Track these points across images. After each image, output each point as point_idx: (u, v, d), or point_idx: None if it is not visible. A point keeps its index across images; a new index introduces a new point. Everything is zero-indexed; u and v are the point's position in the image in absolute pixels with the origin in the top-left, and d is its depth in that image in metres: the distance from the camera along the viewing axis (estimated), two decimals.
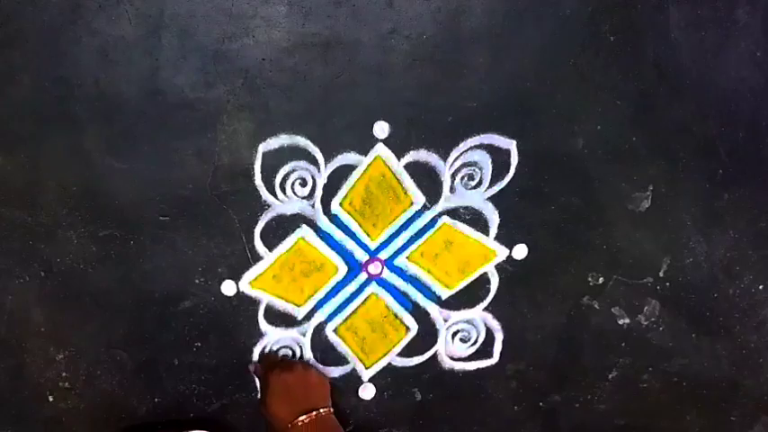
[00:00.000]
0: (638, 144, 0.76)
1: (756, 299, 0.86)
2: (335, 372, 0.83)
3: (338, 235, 0.76)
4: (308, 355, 0.81)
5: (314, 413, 0.69)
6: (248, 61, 0.67)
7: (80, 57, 0.64)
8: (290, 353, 0.81)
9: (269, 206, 0.73)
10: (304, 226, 0.75)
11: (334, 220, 0.76)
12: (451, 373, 0.85)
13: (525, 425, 0.90)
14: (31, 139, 0.67)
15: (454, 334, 0.84)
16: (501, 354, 0.85)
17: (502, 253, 0.80)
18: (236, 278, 0.76)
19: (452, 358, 0.85)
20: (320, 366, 0.81)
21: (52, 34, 0.63)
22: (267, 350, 0.80)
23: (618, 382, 0.89)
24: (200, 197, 0.72)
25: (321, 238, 0.76)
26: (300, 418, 0.69)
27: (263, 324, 0.79)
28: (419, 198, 0.76)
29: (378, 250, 0.78)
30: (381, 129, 0.72)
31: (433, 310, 0.82)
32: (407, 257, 0.79)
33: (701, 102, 0.75)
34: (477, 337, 0.84)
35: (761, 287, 0.86)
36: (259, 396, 0.76)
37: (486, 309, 0.83)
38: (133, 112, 0.67)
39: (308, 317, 0.80)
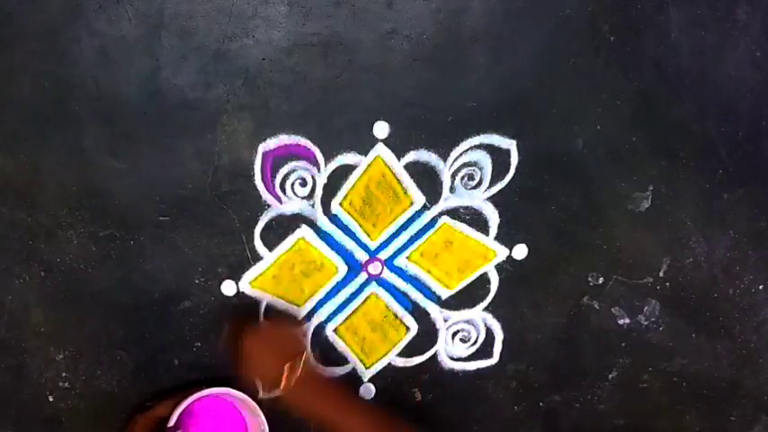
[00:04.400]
0: (638, 144, 0.76)
1: (756, 299, 0.86)
2: (336, 372, 0.83)
3: (338, 235, 0.76)
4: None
5: (290, 364, 0.68)
6: (248, 61, 0.67)
7: (80, 57, 0.64)
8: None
9: (269, 206, 0.73)
10: (304, 226, 0.75)
11: (334, 220, 0.76)
12: (451, 373, 0.85)
13: (525, 425, 0.90)
14: (31, 139, 0.67)
15: (454, 334, 0.84)
16: (501, 354, 0.85)
17: (502, 253, 0.80)
18: (236, 278, 0.76)
19: (452, 358, 0.85)
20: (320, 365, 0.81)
21: (52, 34, 0.63)
22: None
23: (618, 382, 0.89)
24: (200, 197, 0.72)
25: (321, 238, 0.76)
26: (272, 389, 0.68)
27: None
28: (419, 198, 0.76)
29: (378, 250, 0.78)
30: (381, 129, 0.72)
31: (433, 310, 0.82)
32: (407, 257, 0.79)
33: (701, 102, 0.75)
34: (477, 337, 0.84)
35: (761, 287, 0.86)
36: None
37: (486, 309, 0.83)
38: (133, 112, 0.67)
39: (308, 317, 0.80)
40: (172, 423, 0.72)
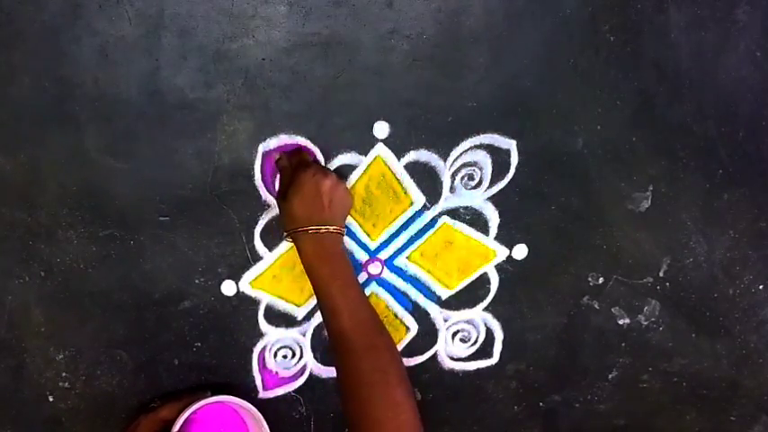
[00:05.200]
0: (638, 144, 0.76)
1: (756, 299, 0.86)
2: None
3: None
4: (308, 355, 0.81)
5: (326, 228, 0.66)
6: (248, 61, 0.67)
7: (80, 57, 0.64)
8: (291, 353, 0.81)
9: (269, 206, 0.73)
10: None
11: None
12: (451, 373, 0.85)
13: (525, 425, 0.90)
14: (31, 139, 0.67)
15: (454, 334, 0.84)
16: (501, 354, 0.85)
17: (502, 253, 0.80)
18: (236, 278, 0.76)
19: (452, 358, 0.85)
20: (320, 366, 0.82)
21: (52, 34, 0.63)
22: (269, 348, 0.80)
23: (618, 382, 0.89)
24: (200, 197, 0.72)
25: None
26: (312, 227, 0.66)
27: (263, 324, 0.79)
28: (419, 198, 0.76)
29: (378, 250, 0.78)
30: (381, 129, 0.72)
31: (433, 310, 0.82)
32: (407, 257, 0.79)
33: (701, 102, 0.75)
34: (477, 337, 0.84)
35: (761, 287, 0.86)
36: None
37: (486, 309, 0.83)
38: (133, 112, 0.67)
39: (308, 317, 0.80)
40: (175, 430, 0.72)
